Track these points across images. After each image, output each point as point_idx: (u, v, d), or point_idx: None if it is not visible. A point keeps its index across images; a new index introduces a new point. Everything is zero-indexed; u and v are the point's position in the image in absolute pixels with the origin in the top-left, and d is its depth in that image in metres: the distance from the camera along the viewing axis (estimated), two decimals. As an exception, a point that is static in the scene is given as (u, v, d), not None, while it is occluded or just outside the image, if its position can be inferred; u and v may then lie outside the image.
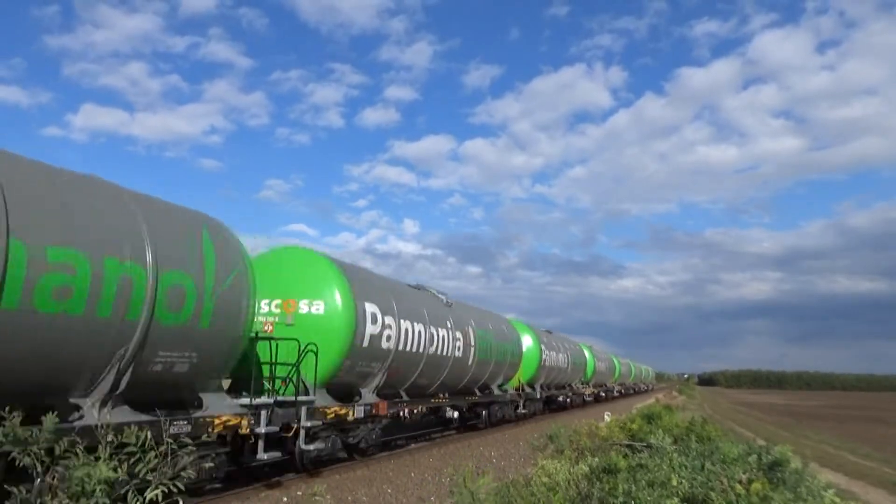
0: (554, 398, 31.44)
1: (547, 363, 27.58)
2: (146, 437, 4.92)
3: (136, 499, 4.48)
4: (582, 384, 38.13)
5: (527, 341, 25.42)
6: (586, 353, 39.50)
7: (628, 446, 11.51)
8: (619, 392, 57.63)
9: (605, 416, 18.00)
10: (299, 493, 9.83)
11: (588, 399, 40.03)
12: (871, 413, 48.23)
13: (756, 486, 5.79)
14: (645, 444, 11.12)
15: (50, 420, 4.84)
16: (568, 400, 34.00)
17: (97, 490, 4.36)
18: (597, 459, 8.58)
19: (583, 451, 11.14)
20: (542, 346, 27.03)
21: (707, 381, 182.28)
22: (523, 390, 24.52)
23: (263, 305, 11.67)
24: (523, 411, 24.64)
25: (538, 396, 26.85)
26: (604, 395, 47.31)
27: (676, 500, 5.82)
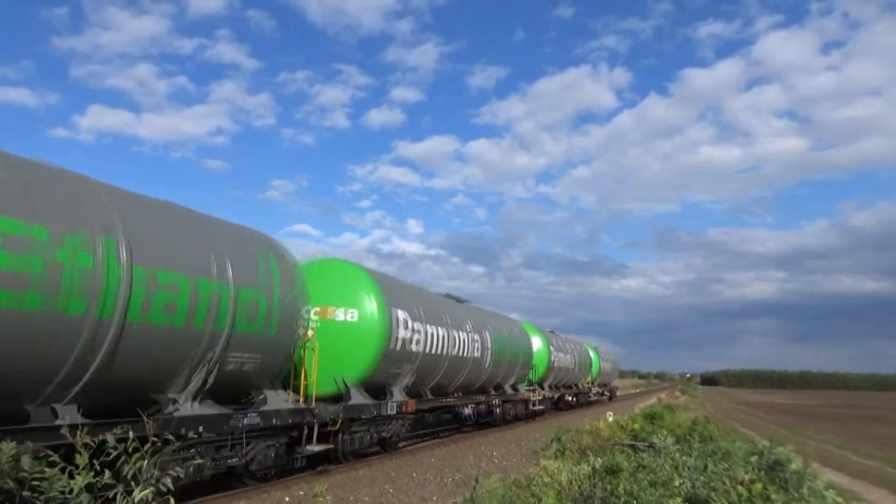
0: (562, 397, 32.34)
1: (556, 364, 28.29)
2: (130, 437, 4.86)
3: (124, 500, 4.45)
4: (588, 384, 38.48)
5: (536, 343, 25.81)
6: (591, 353, 39.50)
7: (630, 446, 11.52)
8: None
9: (608, 416, 17.99)
10: (301, 492, 9.82)
11: (593, 398, 39.70)
12: (874, 413, 48.11)
13: (758, 486, 5.79)
14: (647, 444, 11.12)
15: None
16: (574, 399, 34.58)
17: (82, 499, 4.32)
18: (599, 460, 8.58)
19: (585, 451, 11.15)
20: (551, 348, 27.67)
21: (709, 380, 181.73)
22: (534, 390, 25.49)
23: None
24: (533, 409, 25.48)
25: (547, 395, 27.60)
26: (607, 394, 46.75)
27: (679, 499, 5.82)
